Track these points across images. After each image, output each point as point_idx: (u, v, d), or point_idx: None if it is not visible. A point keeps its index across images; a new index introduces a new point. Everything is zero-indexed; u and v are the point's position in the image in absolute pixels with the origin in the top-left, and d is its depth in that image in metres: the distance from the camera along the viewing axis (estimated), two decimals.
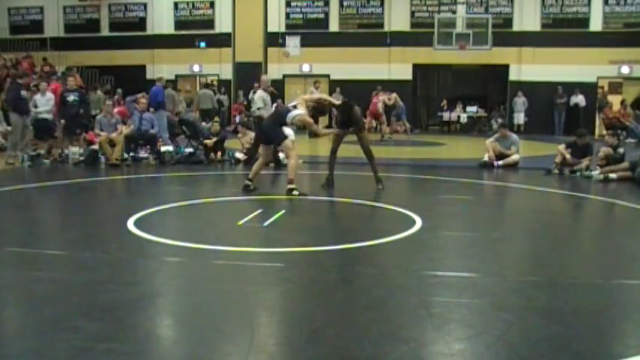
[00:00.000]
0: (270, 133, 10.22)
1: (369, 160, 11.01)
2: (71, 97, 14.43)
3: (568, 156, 12.89)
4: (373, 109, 21.52)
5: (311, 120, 10.42)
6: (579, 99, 23.95)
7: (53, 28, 27.76)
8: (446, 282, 5.53)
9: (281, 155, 13.77)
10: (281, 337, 4.43)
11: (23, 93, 13.98)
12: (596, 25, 24.26)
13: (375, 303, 4.91)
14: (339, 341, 4.14)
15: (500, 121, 24.04)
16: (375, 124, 22.19)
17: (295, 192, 9.63)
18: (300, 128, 11.47)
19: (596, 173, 12.21)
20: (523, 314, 4.70)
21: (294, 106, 10.20)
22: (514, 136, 14.63)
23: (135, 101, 15.10)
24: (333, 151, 11.02)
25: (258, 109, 13.94)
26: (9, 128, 15.34)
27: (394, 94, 22.82)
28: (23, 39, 26.05)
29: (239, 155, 14.28)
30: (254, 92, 25.24)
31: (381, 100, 21.82)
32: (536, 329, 4.36)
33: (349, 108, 10.76)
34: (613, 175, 11.98)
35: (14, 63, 21.78)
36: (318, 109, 10.87)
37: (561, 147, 13.19)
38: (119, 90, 20.96)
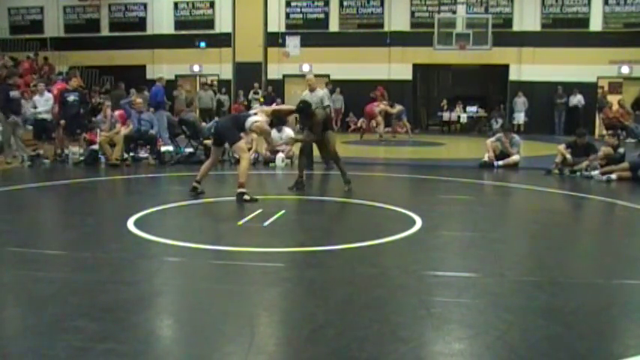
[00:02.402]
0: (225, 132, 9.89)
1: (335, 161, 10.77)
2: (71, 98, 14.44)
3: (568, 156, 12.89)
4: (369, 110, 21.51)
5: (268, 129, 10.10)
6: (578, 99, 23.95)
7: (53, 28, 27.76)
8: (446, 282, 5.53)
9: (280, 155, 13.80)
10: (281, 337, 4.43)
11: (12, 93, 13.87)
12: (596, 25, 24.26)
13: (375, 303, 4.91)
14: (339, 341, 4.14)
15: (500, 121, 24.06)
16: (374, 124, 22.15)
17: (246, 197, 9.20)
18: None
19: (596, 173, 12.20)
20: (523, 314, 4.70)
21: (255, 114, 9.98)
22: (516, 137, 14.62)
23: (130, 103, 15.07)
24: (303, 152, 10.84)
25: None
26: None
27: (399, 107, 22.60)
28: (23, 39, 26.04)
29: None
30: (254, 92, 25.42)
31: (382, 107, 21.72)
32: (536, 329, 4.36)
33: (306, 111, 10.50)
34: (613, 176, 11.97)
35: (14, 63, 21.76)
36: (278, 118, 10.68)
37: (561, 147, 13.19)
38: (132, 90, 20.54)
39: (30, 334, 4.25)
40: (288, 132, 14.59)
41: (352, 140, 21.33)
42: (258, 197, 9.30)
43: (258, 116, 9.83)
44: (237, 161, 13.83)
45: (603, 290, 5.39)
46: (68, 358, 3.85)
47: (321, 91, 12.56)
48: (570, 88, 23.98)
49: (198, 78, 27.62)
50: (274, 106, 12.42)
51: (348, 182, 10.39)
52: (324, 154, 11.08)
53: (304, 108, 10.60)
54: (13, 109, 13.83)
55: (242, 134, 9.97)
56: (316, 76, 25.88)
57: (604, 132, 22.26)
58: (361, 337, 4.20)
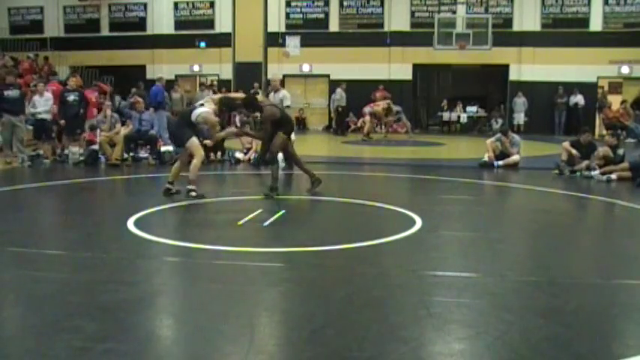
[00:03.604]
0: (175, 132, 9.80)
1: (296, 163, 10.57)
2: (71, 97, 14.44)
3: (574, 151, 12.86)
4: (363, 110, 21.61)
5: (214, 119, 9.70)
6: (578, 99, 23.94)
7: (53, 28, 27.76)
8: (446, 282, 5.53)
9: (280, 156, 13.79)
10: (281, 337, 4.43)
11: (7, 93, 13.79)
12: (596, 25, 24.25)
13: (375, 303, 4.91)
14: (339, 341, 4.14)
15: (500, 121, 24.05)
16: (375, 124, 22.18)
17: (193, 193, 9.29)
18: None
19: (596, 173, 12.20)
20: (523, 314, 4.70)
21: (202, 105, 9.72)
22: (516, 137, 14.62)
23: (131, 106, 15.07)
24: (291, 156, 10.57)
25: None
26: None
27: (396, 107, 22.61)
28: (23, 39, 26.04)
29: (239, 155, 14.28)
30: (254, 93, 25.42)
31: (376, 109, 21.79)
32: (536, 329, 4.36)
33: (253, 103, 10.16)
34: (613, 176, 11.97)
35: (14, 63, 21.76)
36: (228, 106, 10.25)
37: (566, 144, 13.16)
38: (133, 90, 20.28)
39: (30, 334, 4.25)
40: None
41: (352, 140, 21.34)
42: (263, 197, 9.28)
43: (205, 107, 9.60)
44: (238, 161, 14.01)
45: (603, 290, 5.39)
46: (68, 358, 3.85)
47: (284, 92, 12.62)
48: (570, 88, 23.98)
49: (198, 78, 27.63)
50: (222, 94, 12.15)
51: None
52: (291, 151, 10.70)
53: (250, 101, 10.31)
54: (7, 109, 13.70)
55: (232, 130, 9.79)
56: (316, 76, 26.18)
57: (604, 132, 22.27)
58: (361, 337, 4.20)
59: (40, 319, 4.48)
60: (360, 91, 24.03)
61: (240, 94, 11.45)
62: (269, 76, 13.37)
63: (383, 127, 23.61)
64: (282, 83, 26.22)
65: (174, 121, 10.35)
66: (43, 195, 10.60)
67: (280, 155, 10.87)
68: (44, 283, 5.33)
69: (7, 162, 13.63)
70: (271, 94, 12.66)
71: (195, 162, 9.38)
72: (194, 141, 9.50)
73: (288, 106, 12.45)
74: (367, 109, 22.11)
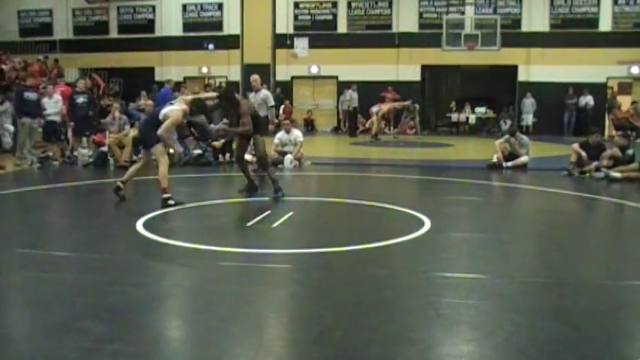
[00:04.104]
0: (143, 135, 9.39)
1: (264, 168, 10.10)
2: (80, 100, 14.52)
3: (584, 154, 12.82)
4: (370, 110, 21.58)
5: (178, 118, 9.11)
6: (588, 99, 23.84)
7: (62, 30, 27.89)
8: (454, 283, 5.51)
9: (288, 157, 13.79)
10: (289, 338, 4.43)
11: (27, 95, 13.86)
12: (605, 25, 24.15)
13: (383, 304, 4.91)
14: (347, 343, 4.13)
15: (508, 122, 23.98)
16: (383, 125, 22.14)
17: (171, 201, 8.82)
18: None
19: (604, 174, 12.14)
20: (531, 315, 4.69)
21: (171, 104, 9.39)
22: (525, 138, 14.59)
23: (140, 109, 15.12)
24: (239, 159, 10.27)
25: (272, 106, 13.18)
26: (11, 128, 15.40)
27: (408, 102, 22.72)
28: (33, 41, 26.15)
29: (247, 157, 14.25)
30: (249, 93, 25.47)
31: (383, 109, 21.80)
32: (544, 330, 4.34)
33: (230, 98, 9.81)
34: (618, 175, 11.90)
35: (23, 66, 21.87)
36: (200, 107, 9.73)
37: (575, 146, 13.13)
38: (143, 92, 20.25)
39: (38, 336, 4.26)
40: (297, 134, 14.60)
41: (361, 141, 21.34)
42: (271, 198, 9.28)
43: (175, 106, 9.29)
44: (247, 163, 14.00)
45: (612, 291, 5.36)
46: (76, 359, 3.87)
47: (265, 92, 12.58)
48: (579, 88, 23.89)
49: (206, 80, 27.67)
50: (194, 95, 11.87)
51: (279, 190, 9.68)
52: (240, 154, 10.35)
53: (227, 93, 10.04)
54: (26, 111, 13.78)
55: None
56: (324, 77, 26.18)
57: (613, 132, 22.18)
58: (369, 338, 4.19)
59: (49, 321, 4.49)
60: (368, 93, 24.02)
61: (212, 94, 11.15)
62: (251, 77, 13.21)
63: (392, 127, 23.61)
64: (292, 85, 26.49)
65: (142, 122, 9.97)
66: (52, 197, 10.63)
67: (248, 156, 10.77)
68: (53, 285, 5.35)
69: (17, 164, 13.68)
70: (252, 94, 12.63)
71: (162, 169, 8.95)
72: (157, 148, 9.05)
73: (272, 106, 12.40)
74: (374, 109, 22.11)
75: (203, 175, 12.45)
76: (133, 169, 9.64)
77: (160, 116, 9.04)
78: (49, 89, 14.98)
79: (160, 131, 8.90)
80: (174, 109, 9.12)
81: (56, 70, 22.58)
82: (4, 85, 19.46)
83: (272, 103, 12.51)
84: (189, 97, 10.00)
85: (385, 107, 22.20)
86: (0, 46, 23.55)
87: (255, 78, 12.98)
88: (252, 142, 10.19)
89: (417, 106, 22.66)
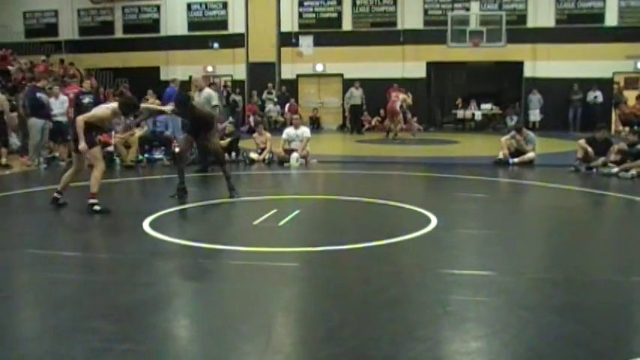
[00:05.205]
0: (75, 138, 8.86)
1: (220, 164, 9.95)
2: (86, 100, 14.55)
3: (590, 149, 12.77)
4: (392, 106, 21.39)
5: (103, 113, 8.73)
6: (597, 94, 23.73)
7: (68, 30, 27.90)
8: (462, 280, 5.51)
9: (294, 155, 13.79)
10: (297, 336, 4.44)
11: (39, 95, 13.91)
12: (611, 20, 24.04)
13: (391, 302, 4.91)
14: (356, 340, 4.13)
15: (515, 118, 23.91)
16: (389, 123, 22.00)
17: (96, 207, 8.39)
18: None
19: (616, 170, 12.08)
20: (540, 312, 4.68)
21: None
22: (531, 134, 14.55)
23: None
24: (181, 157, 10.12)
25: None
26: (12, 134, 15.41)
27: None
28: (38, 42, 26.19)
29: (253, 155, 14.31)
30: (268, 93, 25.51)
31: (401, 98, 21.67)
32: (553, 327, 4.33)
33: (185, 103, 9.71)
34: (632, 172, 11.84)
35: (30, 67, 21.90)
36: (128, 107, 9.18)
37: (582, 141, 13.08)
38: (150, 91, 20.10)
39: (48, 335, 4.28)
40: (305, 129, 14.63)
41: (367, 139, 21.32)
42: (278, 197, 9.27)
43: (107, 104, 9.07)
44: (252, 161, 14.03)
45: (621, 288, 5.35)
46: (86, 359, 3.87)
47: (208, 91, 12.56)
48: (586, 84, 23.80)
49: (212, 79, 27.67)
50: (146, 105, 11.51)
51: (232, 189, 9.58)
52: (183, 152, 10.22)
53: (183, 99, 9.90)
54: (39, 112, 13.77)
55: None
56: (330, 75, 26.16)
57: (620, 128, 22.12)
58: (377, 336, 4.19)
59: (58, 321, 4.51)
60: (373, 90, 23.99)
61: (160, 107, 10.92)
62: (193, 77, 13.19)
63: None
64: (297, 83, 26.46)
65: (72, 128, 9.36)
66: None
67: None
68: (61, 285, 5.36)
69: (28, 165, 13.71)
70: (196, 94, 12.63)
71: (96, 173, 8.53)
72: (94, 152, 8.66)
73: (215, 106, 12.38)
74: (397, 104, 21.66)
75: (209, 174, 12.45)
76: (66, 175, 9.01)
77: (79, 117, 8.67)
78: (55, 90, 15.00)
79: (79, 117, 8.57)
80: (104, 107, 9.00)
81: (63, 70, 22.57)
82: (10, 86, 19.50)
83: (215, 102, 12.40)
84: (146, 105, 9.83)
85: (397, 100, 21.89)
86: (6, 47, 23.60)
87: (196, 78, 13.05)
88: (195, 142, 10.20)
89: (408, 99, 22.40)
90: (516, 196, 11.23)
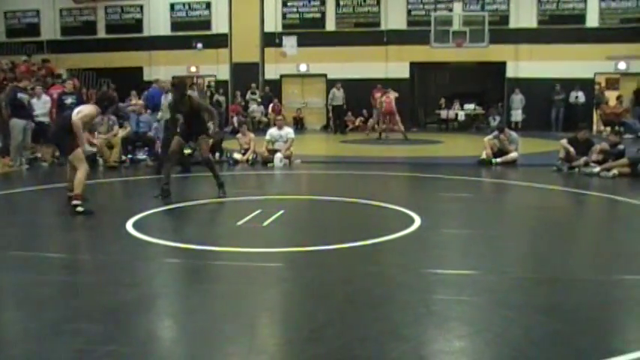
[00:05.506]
0: (57, 141, 8.95)
1: (211, 170, 9.91)
2: (69, 100, 14.47)
3: (572, 150, 12.85)
4: (388, 107, 21.24)
5: (91, 112, 8.73)
6: (579, 95, 23.90)
7: (49, 30, 27.69)
8: (446, 280, 5.54)
9: (278, 155, 13.79)
10: (281, 337, 4.43)
11: (20, 95, 13.80)
12: (592, 21, 24.22)
13: (375, 302, 4.92)
14: (340, 341, 4.14)
15: (498, 118, 24.04)
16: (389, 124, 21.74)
17: (79, 208, 8.28)
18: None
19: (598, 169, 12.17)
20: (523, 311, 4.71)
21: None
22: (514, 134, 14.64)
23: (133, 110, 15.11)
24: (170, 157, 9.96)
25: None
26: None
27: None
28: (20, 42, 26.00)
29: (237, 156, 14.29)
30: (252, 93, 25.48)
31: (392, 97, 21.57)
32: (536, 326, 4.36)
33: (182, 89, 9.70)
34: (614, 172, 11.94)
35: (11, 67, 21.73)
36: (107, 99, 9.35)
37: (563, 141, 13.16)
38: (133, 92, 20.01)
39: (31, 338, 4.25)
40: (289, 130, 14.63)
41: (350, 139, 21.34)
42: (261, 197, 9.27)
43: (87, 105, 9.03)
44: (236, 162, 14.01)
45: (603, 286, 5.39)
46: None
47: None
48: (567, 84, 23.95)
49: (195, 79, 27.58)
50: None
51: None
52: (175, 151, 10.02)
53: (180, 85, 9.85)
54: (20, 113, 13.64)
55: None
56: (313, 75, 26.16)
57: (602, 128, 22.31)
58: (362, 336, 4.20)
59: (41, 322, 4.48)
60: (357, 91, 24.02)
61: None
62: (159, 79, 13.15)
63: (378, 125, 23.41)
64: (280, 83, 26.45)
65: (53, 128, 9.39)
66: (42, 198, 10.58)
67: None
68: (44, 286, 5.33)
69: (10, 165, 13.60)
70: (164, 96, 12.62)
71: (79, 176, 8.40)
72: (76, 154, 8.52)
73: None
74: (393, 105, 21.39)
75: (192, 175, 12.42)
76: (75, 179, 8.58)
77: (74, 119, 8.47)
78: (37, 90, 14.90)
79: (76, 118, 8.44)
80: (89, 105, 8.98)
81: (45, 70, 22.40)
82: None
83: None
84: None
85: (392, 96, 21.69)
86: None
87: (162, 80, 13.04)
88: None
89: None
90: (500, 196, 11.29)
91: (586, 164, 12.57)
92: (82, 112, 8.63)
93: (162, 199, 9.36)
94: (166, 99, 12.31)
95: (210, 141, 13.67)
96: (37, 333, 4.30)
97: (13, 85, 14.88)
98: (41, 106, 14.47)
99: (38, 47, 26.05)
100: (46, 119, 14.41)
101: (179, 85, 9.99)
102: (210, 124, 10.75)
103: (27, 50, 24.81)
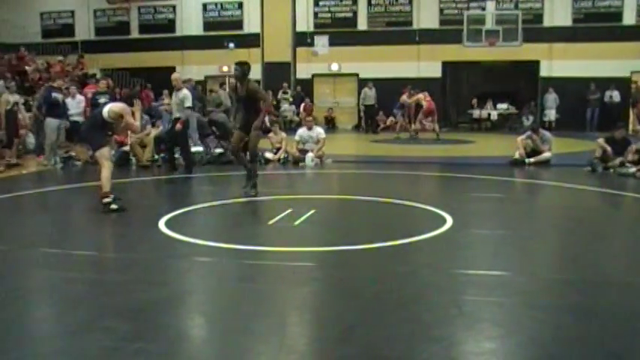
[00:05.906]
0: (87, 137, 9.12)
1: (252, 162, 10.07)
2: (102, 99, 14.60)
3: (609, 148, 12.66)
4: (429, 107, 21.16)
5: (128, 109, 8.90)
6: (614, 94, 23.57)
7: (84, 31, 28.07)
8: (477, 280, 5.49)
9: (309, 155, 13.78)
10: (311, 336, 4.43)
11: (54, 95, 13.99)
12: (629, 18, 23.84)
13: (405, 302, 4.89)
14: (370, 340, 4.13)
15: (531, 118, 23.80)
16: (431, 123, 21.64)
17: (113, 206, 8.40)
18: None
19: (631, 170, 11.98)
20: (555, 313, 4.65)
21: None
22: (547, 133, 14.46)
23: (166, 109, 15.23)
24: (234, 152, 10.28)
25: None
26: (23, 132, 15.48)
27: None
28: (55, 42, 26.36)
29: (269, 155, 14.31)
30: (283, 92, 25.52)
31: (420, 97, 21.47)
32: (568, 328, 4.31)
33: (245, 72, 9.71)
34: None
35: (46, 67, 22.06)
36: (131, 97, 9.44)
37: (601, 140, 12.98)
38: (165, 91, 20.14)
39: (62, 335, 4.30)
40: (319, 130, 14.64)
41: (382, 139, 21.28)
42: (293, 196, 9.27)
43: (117, 104, 9.19)
44: (267, 161, 14.03)
45: (636, 289, 5.31)
46: (100, 358, 3.89)
47: (185, 92, 12.53)
48: (603, 83, 23.61)
49: (227, 79, 27.72)
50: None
51: (254, 187, 9.76)
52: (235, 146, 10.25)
53: (243, 69, 9.78)
54: (55, 112, 13.84)
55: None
56: (345, 75, 26.14)
57: (638, 127, 21.95)
58: (392, 336, 4.18)
59: (72, 320, 4.53)
60: (389, 90, 23.94)
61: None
62: (173, 76, 13.16)
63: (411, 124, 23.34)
64: (312, 83, 26.46)
65: (84, 125, 9.60)
66: (75, 196, 10.70)
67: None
68: (76, 284, 5.39)
69: (44, 164, 13.80)
70: (174, 94, 12.63)
71: (104, 174, 8.52)
72: (103, 152, 8.73)
73: (189, 107, 12.38)
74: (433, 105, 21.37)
75: (224, 174, 12.48)
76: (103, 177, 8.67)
77: (105, 116, 8.62)
78: (71, 89, 15.09)
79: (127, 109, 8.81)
80: (116, 105, 9.09)
81: (80, 69, 22.67)
82: (27, 85, 19.66)
83: (189, 104, 12.35)
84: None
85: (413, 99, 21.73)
86: (23, 48, 23.78)
87: (175, 77, 13.02)
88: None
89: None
90: (532, 196, 11.17)
91: (621, 164, 12.38)
92: (111, 109, 8.72)
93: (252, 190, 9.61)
94: (177, 96, 12.34)
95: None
96: (68, 330, 4.35)
97: (48, 84, 15.10)
98: (75, 105, 14.66)
99: (73, 47, 26.40)
100: (80, 118, 14.57)
101: (243, 63, 9.89)
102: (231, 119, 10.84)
103: (62, 51, 25.14)
